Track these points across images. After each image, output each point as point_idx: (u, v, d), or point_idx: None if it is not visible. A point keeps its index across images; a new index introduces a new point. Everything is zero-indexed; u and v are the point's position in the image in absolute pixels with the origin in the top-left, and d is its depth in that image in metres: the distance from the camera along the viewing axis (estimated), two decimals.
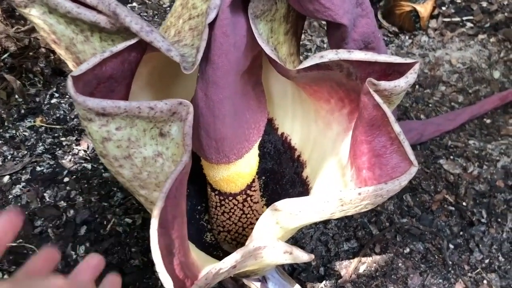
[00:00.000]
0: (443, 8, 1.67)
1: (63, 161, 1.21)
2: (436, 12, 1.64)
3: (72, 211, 1.12)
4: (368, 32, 0.71)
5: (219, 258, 0.88)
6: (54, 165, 1.20)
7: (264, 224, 0.69)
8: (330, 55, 0.64)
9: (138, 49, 0.65)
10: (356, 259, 1.03)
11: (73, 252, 1.06)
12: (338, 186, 0.75)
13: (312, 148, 0.86)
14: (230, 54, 0.65)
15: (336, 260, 1.03)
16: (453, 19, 1.64)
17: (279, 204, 0.67)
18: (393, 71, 0.66)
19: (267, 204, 0.97)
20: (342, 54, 0.64)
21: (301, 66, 0.65)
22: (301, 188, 0.89)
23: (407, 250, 1.04)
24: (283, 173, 0.93)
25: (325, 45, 1.57)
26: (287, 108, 0.89)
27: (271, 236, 0.72)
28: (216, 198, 0.87)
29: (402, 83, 0.64)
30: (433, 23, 1.61)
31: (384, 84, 0.63)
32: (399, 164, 0.62)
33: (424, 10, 1.59)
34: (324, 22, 1.22)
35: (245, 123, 0.75)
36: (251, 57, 0.71)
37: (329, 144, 0.81)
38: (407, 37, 1.59)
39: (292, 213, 0.67)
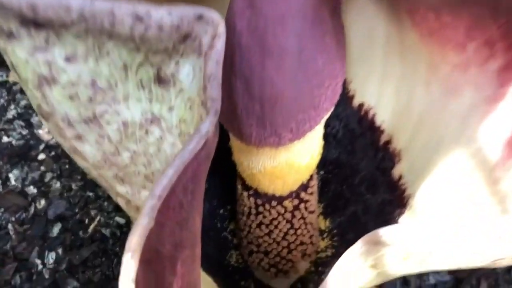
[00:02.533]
0: None
1: (40, 131, 0.89)
2: None
3: (43, 202, 0.81)
4: None
5: None
6: (28, 136, 0.89)
7: (351, 265, 0.36)
8: None
9: None
10: None
11: (38, 261, 0.75)
12: (479, 199, 0.41)
13: (414, 129, 0.52)
14: None
15: None
16: None
17: (386, 232, 0.33)
18: None
19: (326, 214, 0.63)
20: None
21: None
22: (388, 194, 0.55)
23: None
24: (356, 167, 0.59)
25: None
26: (373, 63, 0.55)
27: (358, 285, 0.39)
28: (250, 202, 0.54)
29: None
30: None
31: None
32: None
33: None
34: None
35: (314, 75, 0.42)
36: None
37: (452, 124, 0.47)
38: None
39: (413, 251, 0.33)
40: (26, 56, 0.31)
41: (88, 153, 0.36)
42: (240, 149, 0.50)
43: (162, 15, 0.30)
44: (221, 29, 0.33)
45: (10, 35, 0.30)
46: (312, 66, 0.41)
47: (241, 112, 0.41)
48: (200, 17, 0.32)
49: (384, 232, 0.34)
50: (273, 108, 0.40)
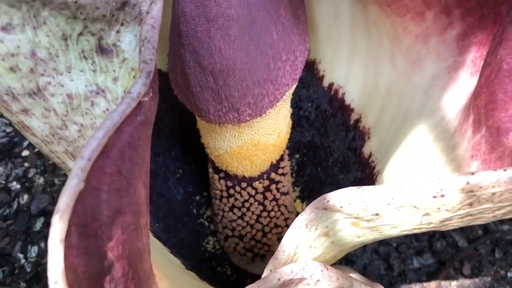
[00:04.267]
0: None
1: None
2: None
3: (26, 197, 0.81)
4: None
5: (225, 277, 0.55)
6: (12, 133, 0.90)
7: (301, 234, 0.35)
8: None
9: None
10: (432, 284, 0.66)
11: (21, 255, 0.75)
12: (442, 169, 0.40)
13: (382, 106, 0.52)
14: None
15: (402, 283, 0.68)
16: None
17: (334, 196, 0.33)
18: None
19: (303, 197, 0.63)
20: None
21: None
22: (360, 172, 0.55)
23: None
24: (329, 149, 0.59)
25: None
26: (340, 41, 0.55)
27: (312, 256, 0.38)
28: (221, 184, 0.54)
29: None
30: None
31: None
32: None
33: None
34: None
35: (269, 47, 0.41)
36: None
37: (417, 97, 0.47)
38: None
39: (360, 215, 0.32)
40: None
41: (36, 127, 0.36)
42: (205, 129, 0.50)
43: None
44: None
45: None
46: (266, 37, 0.41)
47: (195, 87, 0.41)
48: None
49: (332, 196, 0.33)
50: (226, 80, 0.40)
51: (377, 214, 0.32)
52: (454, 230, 0.75)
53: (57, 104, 0.35)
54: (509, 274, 0.72)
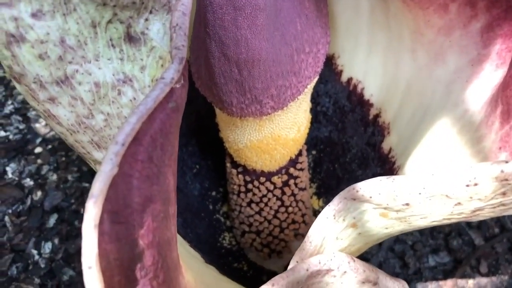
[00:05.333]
0: None
1: (37, 125, 0.90)
2: None
3: (39, 193, 0.81)
4: None
5: (241, 273, 0.54)
6: (25, 131, 0.90)
7: (329, 225, 0.35)
8: None
9: None
10: (449, 282, 0.65)
11: (35, 251, 0.75)
12: (467, 161, 0.40)
13: (402, 100, 0.51)
14: None
15: (418, 281, 0.68)
16: None
17: (364, 186, 0.32)
18: None
19: (320, 194, 0.63)
20: None
21: None
22: (379, 168, 0.54)
23: None
24: (347, 145, 0.59)
25: None
26: (360, 35, 0.54)
27: (338, 247, 0.38)
28: (239, 179, 0.54)
29: None
30: None
31: None
32: None
33: None
34: None
35: (293, 38, 0.41)
36: None
37: (438, 91, 0.47)
38: None
39: (390, 205, 0.32)
40: None
41: (62, 116, 0.36)
42: (225, 123, 0.50)
43: None
44: None
45: None
46: (290, 28, 0.41)
47: (219, 78, 0.41)
48: None
49: (361, 186, 0.33)
50: (251, 71, 0.40)
51: (407, 204, 0.32)
52: (471, 228, 0.75)
53: (84, 92, 0.35)
54: None
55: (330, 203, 0.34)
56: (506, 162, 0.29)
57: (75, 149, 0.40)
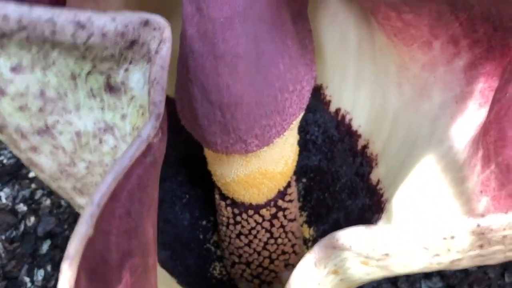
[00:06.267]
0: None
1: None
2: None
3: (33, 219, 0.81)
4: None
5: None
6: None
7: (309, 272, 0.35)
8: None
9: None
10: None
11: (27, 279, 0.75)
12: (450, 202, 0.40)
13: (390, 132, 0.52)
14: None
15: None
16: None
17: (344, 235, 0.32)
18: None
19: (310, 222, 0.63)
20: None
21: None
22: (368, 199, 0.55)
23: None
24: (336, 175, 0.59)
25: None
26: (347, 67, 0.55)
27: None
28: (227, 211, 0.54)
29: None
30: None
31: None
32: None
33: None
34: None
35: (276, 79, 0.41)
36: None
37: (424, 125, 0.47)
38: None
39: (370, 254, 0.32)
40: None
41: (44, 164, 0.36)
42: (212, 157, 0.50)
43: (105, 21, 0.30)
44: (167, 33, 0.33)
45: None
46: (273, 69, 0.41)
47: (203, 120, 0.41)
48: (146, 23, 0.32)
49: (341, 236, 0.33)
50: (234, 114, 0.40)
51: (387, 254, 0.32)
52: None
53: (65, 141, 0.35)
54: None
55: (311, 251, 0.34)
56: (482, 215, 0.29)
57: (59, 195, 0.40)
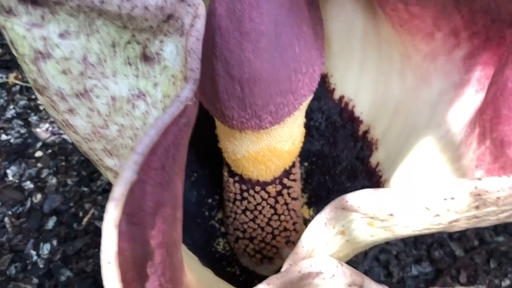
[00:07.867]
0: None
1: (38, 129, 0.92)
2: None
3: (39, 196, 0.83)
4: None
5: (234, 277, 0.57)
6: (26, 135, 0.92)
7: (320, 232, 0.38)
8: None
9: None
10: None
11: (33, 252, 0.77)
12: (447, 178, 0.44)
13: (391, 118, 0.55)
14: None
15: None
16: None
17: (353, 197, 0.36)
18: None
19: (310, 204, 0.66)
20: None
21: None
22: (367, 180, 0.58)
23: (507, 282, 0.71)
24: (337, 158, 0.62)
25: None
26: (352, 56, 0.58)
27: (327, 253, 0.41)
28: (235, 188, 0.57)
29: None
30: None
31: None
32: None
33: None
34: None
35: (292, 60, 0.45)
36: None
37: (424, 111, 0.51)
38: None
39: (375, 214, 0.36)
40: (24, 31, 0.34)
41: (79, 126, 0.39)
42: (225, 134, 0.53)
43: None
44: (201, 10, 0.36)
45: (9, 11, 0.33)
46: (289, 51, 0.45)
47: (222, 94, 0.44)
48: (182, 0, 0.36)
49: (350, 197, 0.37)
50: (253, 89, 0.43)
51: (391, 215, 0.36)
52: (452, 240, 0.79)
53: (101, 105, 0.38)
54: (503, 284, 0.75)
55: (322, 212, 0.38)
56: (479, 179, 0.32)
57: (88, 156, 0.43)
